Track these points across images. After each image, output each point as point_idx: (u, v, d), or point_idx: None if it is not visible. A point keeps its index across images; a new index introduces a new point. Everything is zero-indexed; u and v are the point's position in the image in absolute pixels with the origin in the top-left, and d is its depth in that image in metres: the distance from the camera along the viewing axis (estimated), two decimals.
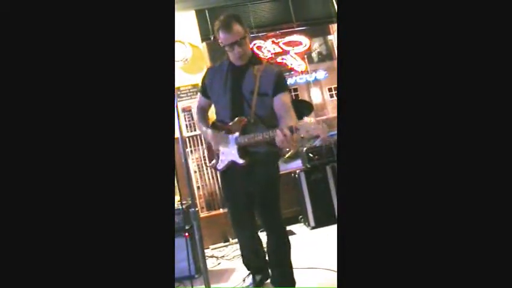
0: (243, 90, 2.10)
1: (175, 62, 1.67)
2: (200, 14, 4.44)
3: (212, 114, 2.38)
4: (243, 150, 2.12)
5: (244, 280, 2.61)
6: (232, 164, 2.17)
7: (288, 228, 4.26)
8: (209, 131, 2.22)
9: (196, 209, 1.85)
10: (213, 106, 2.34)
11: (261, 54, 4.71)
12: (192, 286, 2.48)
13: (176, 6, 1.73)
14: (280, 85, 2.08)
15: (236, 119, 2.11)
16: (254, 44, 4.60)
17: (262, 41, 4.69)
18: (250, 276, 2.55)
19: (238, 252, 3.47)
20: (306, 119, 1.79)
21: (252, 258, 2.48)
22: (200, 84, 2.35)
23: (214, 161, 2.30)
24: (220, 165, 2.23)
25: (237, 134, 2.10)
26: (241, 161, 2.12)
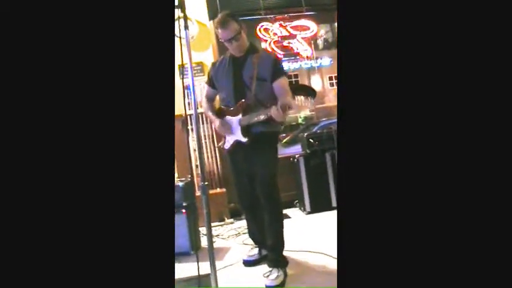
0: (243, 77, 2.37)
1: (181, 39, 1.67)
2: None
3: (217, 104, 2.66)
4: (245, 130, 2.39)
5: (250, 252, 2.79)
6: (237, 144, 2.45)
7: (284, 211, 4.32)
8: (217, 121, 2.49)
9: (206, 183, 1.89)
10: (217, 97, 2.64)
11: (267, 36, 4.68)
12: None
13: None
14: (277, 71, 2.34)
15: (240, 102, 2.38)
16: (262, 26, 4.57)
17: (270, 24, 4.66)
18: (256, 249, 2.75)
19: (234, 232, 3.53)
20: (297, 98, 2.15)
21: (256, 233, 2.69)
22: (207, 77, 2.67)
23: (222, 142, 2.60)
24: (227, 145, 2.53)
25: (240, 116, 2.39)
26: (244, 139, 2.39)
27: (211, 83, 2.59)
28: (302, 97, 2.16)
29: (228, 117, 2.46)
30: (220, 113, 2.54)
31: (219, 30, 2.35)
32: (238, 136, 2.42)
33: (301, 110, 2.25)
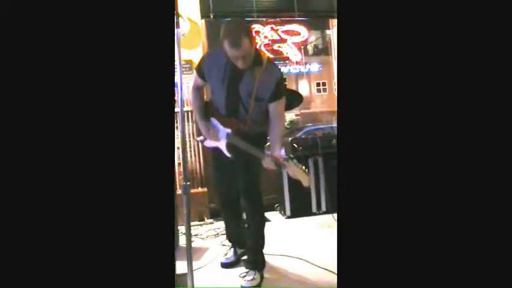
0: (239, 91, 2.12)
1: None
2: None
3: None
4: (231, 147, 2.21)
5: (226, 254, 2.74)
6: (215, 152, 2.33)
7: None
8: (202, 123, 2.30)
9: (188, 183, 1.86)
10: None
11: (258, 39, 4.68)
12: None
13: None
14: (278, 93, 2.13)
15: (233, 119, 2.19)
16: (253, 29, 4.57)
17: (261, 26, 4.67)
18: (231, 250, 2.69)
19: (212, 232, 3.51)
20: (293, 164, 2.06)
21: (235, 234, 2.63)
22: (197, 65, 2.31)
23: (202, 137, 2.38)
24: (209, 144, 2.37)
25: (229, 130, 2.20)
26: (228, 154, 2.24)
27: (201, 73, 2.26)
28: (299, 165, 2.10)
29: (216, 122, 2.27)
30: (208, 112, 2.32)
31: (227, 46, 1.96)
32: (222, 147, 2.26)
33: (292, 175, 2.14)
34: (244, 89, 2.11)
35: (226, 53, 2.01)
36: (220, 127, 2.25)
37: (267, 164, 2.06)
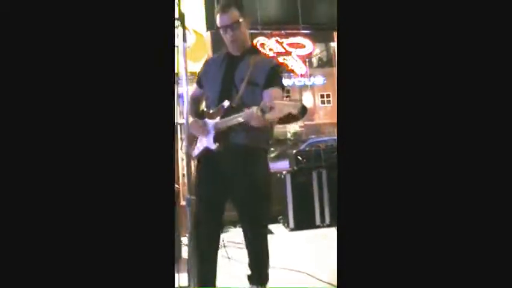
0: (234, 79, 2.01)
1: (177, 48, 1.67)
2: (208, 2, 4.42)
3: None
4: (219, 135, 1.95)
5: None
6: (206, 152, 2.00)
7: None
8: (191, 119, 2.06)
9: (192, 197, 1.79)
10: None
11: (263, 51, 4.71)
12: None
13: None
14: (273, 78, 1.97)
15: (220, 104, 1.98)
16: (258, 41, 4.60)
17: (266, 39, 4.70)
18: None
19: None
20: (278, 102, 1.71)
21: (204, 260, 2.06)
22: (196, 75, 2.26)
23: (192, 147, 2.13)
24: (195, 152, 2.08)
25: (217, 119, 1.97)
26: (213, 146, 1.94)
27: (199, 81, 2.18)
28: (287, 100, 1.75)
29: (206, 120, 2.03)
30: (201, 116, 2.13)
31: (218, 15, 2.02)
32: (208, 142, 1.97)
33: (284, 115, 1.68)
34: (239, 75, 1.99)
35: (217, 24, 2.02)
36: (209, 121, 2.01)
37: (249, 114, 1.76)
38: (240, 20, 2.00)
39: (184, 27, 1.85)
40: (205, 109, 2.16)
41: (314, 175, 3.93)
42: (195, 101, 2.24)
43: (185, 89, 1.83)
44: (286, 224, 3.95)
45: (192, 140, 2.14)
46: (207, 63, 2.22)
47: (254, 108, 1.75)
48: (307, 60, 4.99)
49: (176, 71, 1.83)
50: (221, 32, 2.03)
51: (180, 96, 3.36)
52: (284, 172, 3.99)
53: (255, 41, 4.80)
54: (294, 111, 1.67)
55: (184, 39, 1.80)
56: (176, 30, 1.84)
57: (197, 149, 2.08)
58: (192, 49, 4.18)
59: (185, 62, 1.84)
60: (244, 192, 2.00)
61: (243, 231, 2.18)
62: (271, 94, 1.90)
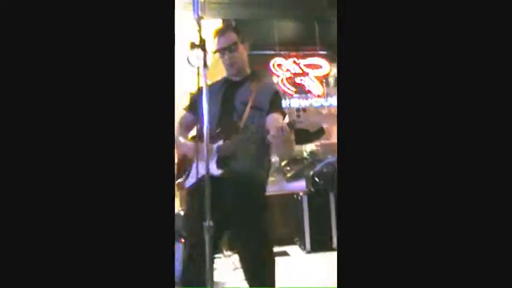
0: (235, 102, 1.89)
1: (193, 68, 1.68)
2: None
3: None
4: (223, 160, 1.76)
5: None
6: (201, 182, 1.59)
7: (283, 249, 4.17)
8: (188, 142, 1.92)
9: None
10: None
11: (280, 72, 4.73)
12: None
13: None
14: (276, 104, 1.90)
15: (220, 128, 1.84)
16: (275, 61, 4.63)
17: (283, 59, 4.72)
18: None
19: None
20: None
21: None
22: (188, 100, 2.11)
23: (181, 179, 1.93)
24: (190, 182, 1.85)
25: (220, 141, 1.79)
26: (217, 172, 1.72)
27: (191, 107, 1.99)
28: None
29: (201, 144, 1.74)
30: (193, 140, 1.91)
31: (215, 39, 1.96)
32: (210, 168, 1.57)
33: (313, 127, 1.59)
34: (240, 99, 1.89)
35: (216, 50, 1.95)
36: (212, 146, 1.79)
37: (273, 125, 1.61)
38: (237, 42, 1.94)
39: (205, 52, 1.84)
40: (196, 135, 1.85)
41: (332, 197, 3.88)
42: (185, 128, 2.02)
43: (201, 109, 1.82)
44: (302, 246, 3.89)
45: (181, 168, 1.98)
46: (203, 89, 2.02)
47: (271, 118, 1.69)
48: (324, 80, 4.98)
49: (195, 91, 1.81)
50: (220, 55, 1.99)
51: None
52: (301, 194, 3.95)
53: (272, 62, 4.82)
54: (314, 129, 1.59)
55: (205, 65, 1.79)
56: (194, 50, 1.84)
57: (191, 178, 1.85)
58: (210, 69, 4.23)
59: (205, 83, 1.81)
60: (243, 226, 1.81)
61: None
62: (276, 118, 1.79)
